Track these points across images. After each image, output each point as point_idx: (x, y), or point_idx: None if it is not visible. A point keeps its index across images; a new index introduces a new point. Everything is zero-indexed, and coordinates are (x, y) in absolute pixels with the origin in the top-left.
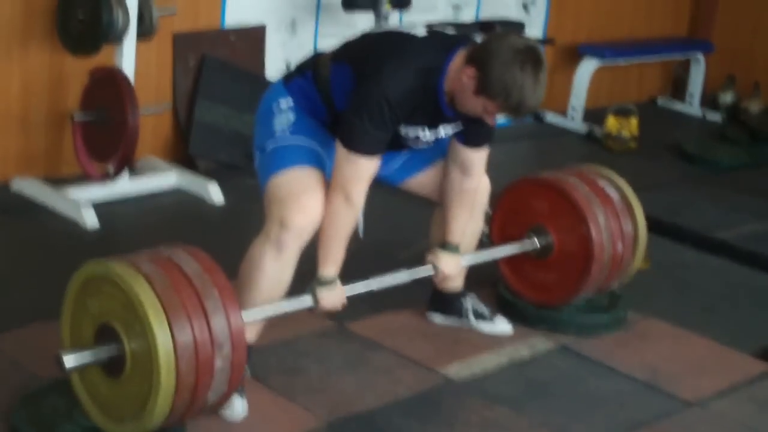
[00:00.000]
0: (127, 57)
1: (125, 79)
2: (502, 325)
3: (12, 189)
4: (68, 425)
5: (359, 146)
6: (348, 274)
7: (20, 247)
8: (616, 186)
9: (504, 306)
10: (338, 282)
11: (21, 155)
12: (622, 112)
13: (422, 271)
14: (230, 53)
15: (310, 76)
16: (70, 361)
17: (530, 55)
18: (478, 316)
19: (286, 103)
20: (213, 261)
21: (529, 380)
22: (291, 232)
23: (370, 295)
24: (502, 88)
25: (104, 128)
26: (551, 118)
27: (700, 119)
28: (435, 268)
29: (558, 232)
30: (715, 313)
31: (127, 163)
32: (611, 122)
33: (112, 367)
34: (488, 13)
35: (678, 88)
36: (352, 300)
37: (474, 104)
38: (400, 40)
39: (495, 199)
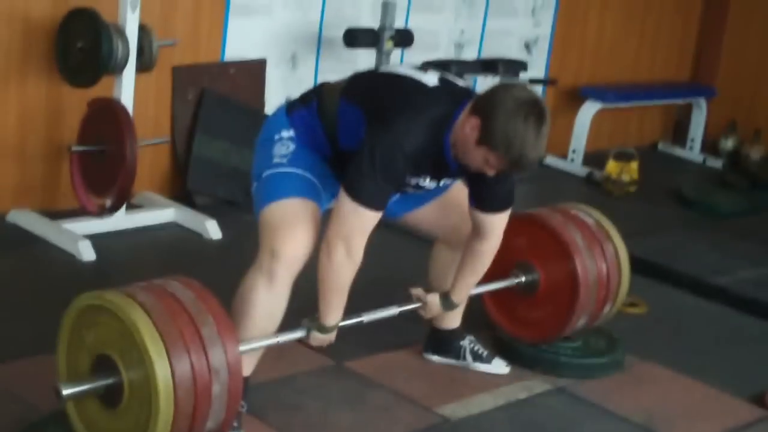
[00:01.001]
0: (126, 89)
1: (124, 110)
2: (499, 367)
3: (8, 221)
4: None
5: (368, 199)
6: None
7: (16, 279)
8: (589, 214)
9: (501, 348)
10: (336, 329)
11: (17, 187)
12: (623, 156)
13: (411, 306)
14: (230, 87)
15: (315, 108)
16: (67, 389)
17: (534, 109)
18: (476, 357)
19: (287, 133)
20: (206, 289)
21: (526, 421)
22: (282, 262)
23: (368, 334)
24: (504, 138)
25: (102, 160)
26: (551, 160)
27: (701, 164)
28: (423, 306)
29: (542, 264)
30: (711, 358)
31: (125, 196)
32: (611, 165)
33: (110, 397)
34: (490, 52)
35: (679, 132)
36: (351, 338)
37: (475, 155)
38: (412, 89)
39: None
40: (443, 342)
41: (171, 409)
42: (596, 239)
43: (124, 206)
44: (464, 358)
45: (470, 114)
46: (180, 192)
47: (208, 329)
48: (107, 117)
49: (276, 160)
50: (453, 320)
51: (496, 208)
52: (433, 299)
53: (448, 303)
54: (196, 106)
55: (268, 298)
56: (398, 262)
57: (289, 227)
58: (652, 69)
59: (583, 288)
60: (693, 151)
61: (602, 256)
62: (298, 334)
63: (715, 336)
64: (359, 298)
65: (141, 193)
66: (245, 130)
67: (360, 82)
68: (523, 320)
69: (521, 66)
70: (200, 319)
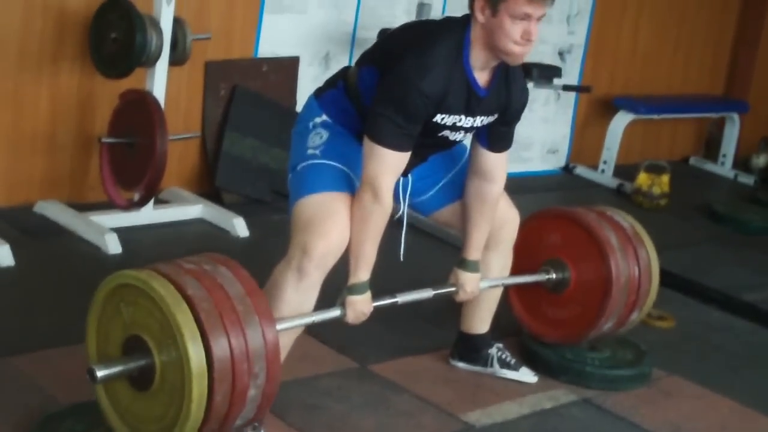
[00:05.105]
0: (159, 81)
1: (156, 103)
2: (526, 375)
3: (35, 211)
4: None
5: (389, 141)
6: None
7: (42, 271)
8: (623, 217)
9: (528, 356)
10: (368, 289)
11: (46, 177)
12: (654, 168)
13: (445, 289)
14: (262, 84)
15: (342, 86)
16: (102, 371)
17: None
18: (504, 364)
19: (319, 118)
20: (254, 282)
21: (550, 431)
22: (313, 259)
23: (393, 337)
24: None
25: (131, 153)
26: (581, 170)
27: (732, 180)
28: (457, 287)
29: (574, 262)
30: (739, 374)
31: (153, 190)
32: (642, 178)
33: (139, 379)
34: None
35: (711, 147)
36: (376, 341)
37: (503, 28)
38: (417, 26)
39: None
40: (471, 349)
41: (202, 413)
42: (630, 242)
43: (152, 201)
44: (491, 365)
45: (474, 11)
46: (208, 189)
47: (252, 329)
48: (139, 109)
49: (310, 151)
50: (481, 325)
51: (502, 147)
52: (455, 275)
53: (468, 265)
54: (228, 102)
55: (296, 295)
56: (435, 268)
57: (321, 223)
58: (686, 82)
59: (615, 289)
60: (724, 167)
61: (635, 260)
62: (334, 312)
63: (744, 352)
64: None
65: (169, 188)
66: (276, 129)
67: (372, 47)
68: (548, 319)
69: (556, 71)
70: (245, 318)
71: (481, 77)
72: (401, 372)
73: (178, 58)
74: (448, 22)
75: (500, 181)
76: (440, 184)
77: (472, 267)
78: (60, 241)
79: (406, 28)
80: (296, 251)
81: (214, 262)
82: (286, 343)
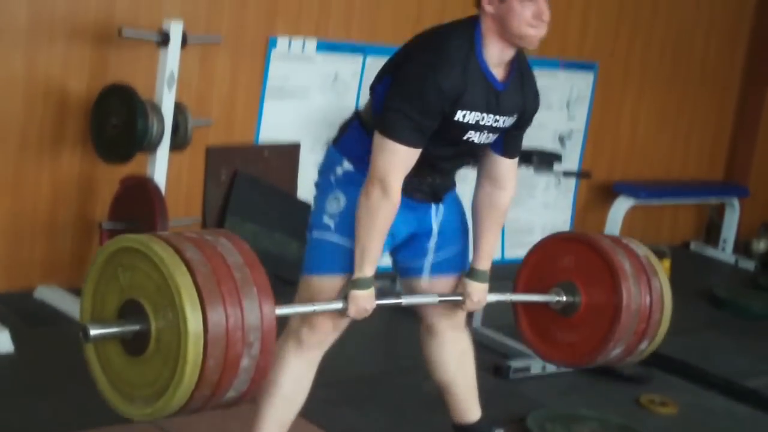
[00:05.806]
0: (160, 167)
1: (156, 189)
2: None
3: (35, 297)
4: None
5: (402, 136)
6: (369, 403)
7: (42, 357)
8: (638, 246)
9: None
10: (372, 285)
11: (46, 262)
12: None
13: (451, 297)
14: (263, 169)
15: (357, 125)
16: (95, 329)
17: None
18: None
19: (341, 168)
20: (255, 255)
21: None
22: (315, 334)
23: (394, 426)
24: None
25: None
26: None
27: (733, 265)
28: (464, 297)
29: (585, 286)
30: None
31: None
32: None
33: (133, 344)
34: (525, 143)
35: (711, 232)
36: (376, 430)
37: (516, 12)
38: (427, 32)
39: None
40: None
41: (196, 377)
42: (644, 271)
43: None
44: None
45: (481, 4)
46: None
47: (250, 299)
48: (139, 195)
49: (326, 219)
50: (470, 413)
51: (514, 153)
52: (463, 284)
53: (477, 274)
54: (229, 188)
55: (297, 363)
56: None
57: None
58: (686, 167)
59: (625, 315)
60: (725, 252)
61: (648, 289)
62: (336, 305)
63: None
64: (388, 389)
65: None
66: (276, 214)
67: (386, 62)
68: (556, 342)
69: (556, 158)
70: (243, 287)
71: (497, 72)
72: None
73: (179, 144)
74: (457, 22)
75: (511, 189)
76: (448, 255)
77: (481, 277)
78: (60, 328)
79: (416, 36)
80: (299, 323)
81: (216, 234)
82: (284, 422)
